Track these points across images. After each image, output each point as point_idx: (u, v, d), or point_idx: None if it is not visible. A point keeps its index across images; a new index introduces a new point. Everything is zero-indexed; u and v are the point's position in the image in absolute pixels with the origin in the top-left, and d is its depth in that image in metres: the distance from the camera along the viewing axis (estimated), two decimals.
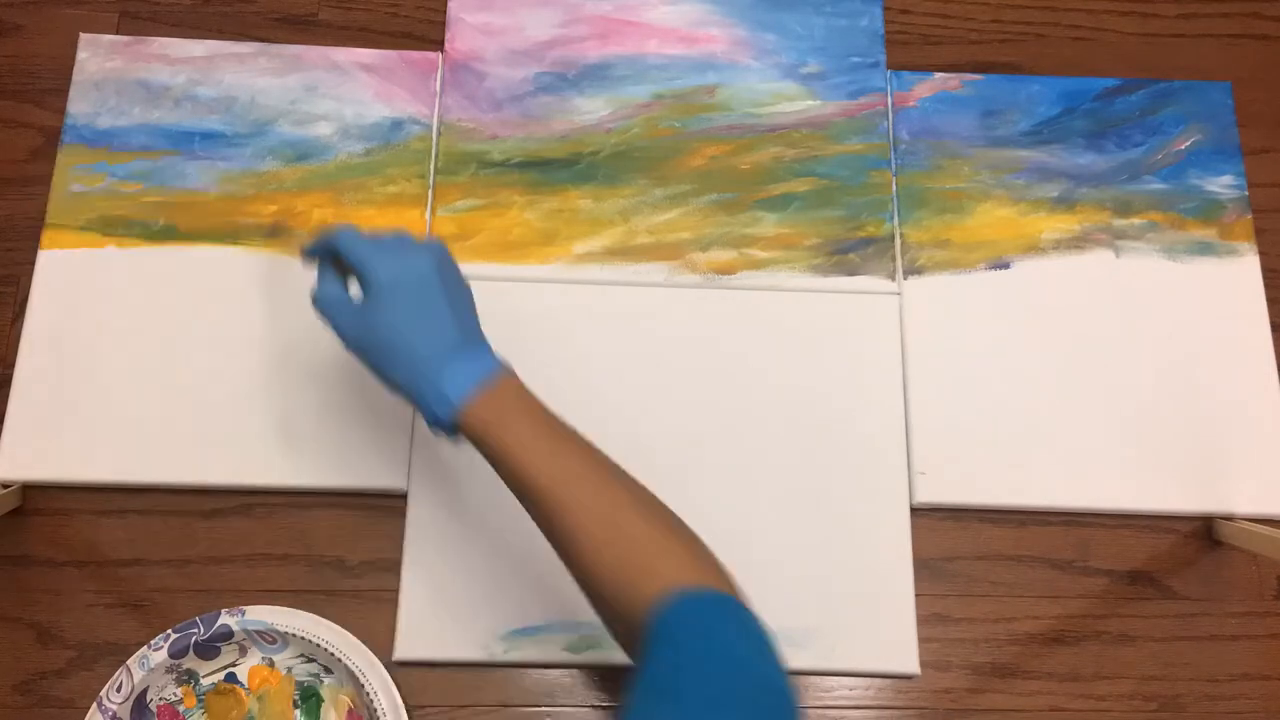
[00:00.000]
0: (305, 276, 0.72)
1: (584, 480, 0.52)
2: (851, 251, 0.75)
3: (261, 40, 0.78)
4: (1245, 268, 0.76)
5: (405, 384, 0.54)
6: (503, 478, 0.53)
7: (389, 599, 0.67)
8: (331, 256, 0.57)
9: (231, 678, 0.65)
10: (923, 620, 0.68)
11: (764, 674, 0.46)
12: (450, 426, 0.53)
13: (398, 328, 0.53)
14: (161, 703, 0.64)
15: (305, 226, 0.73)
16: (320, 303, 0.57)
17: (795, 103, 0.78)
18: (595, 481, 0.52)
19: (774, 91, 0.79)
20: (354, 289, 0.56)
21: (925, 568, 0.69)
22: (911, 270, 0.75)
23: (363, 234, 0.56)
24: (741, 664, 0.45)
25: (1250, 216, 0.77)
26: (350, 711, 0.64)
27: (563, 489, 0.51)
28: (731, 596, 0.48)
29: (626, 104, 0.78)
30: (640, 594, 0.48)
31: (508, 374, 0.55)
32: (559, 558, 0.52)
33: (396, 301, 0.53)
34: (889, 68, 0.80)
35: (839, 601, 0.67)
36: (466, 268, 0.72)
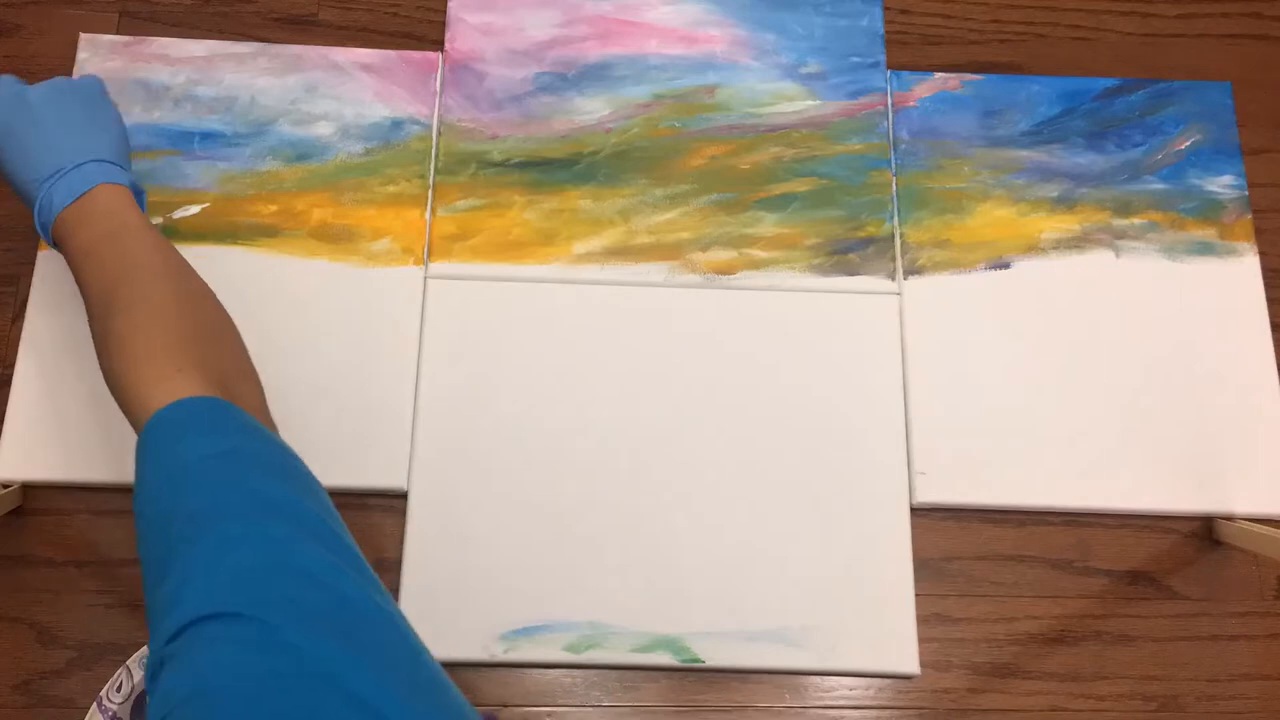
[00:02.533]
0: (304, 277, 0.72)
1: (109, 284, 0.54)
2: (851, 251, 0.75)
3: (261, 40, 0.78)
4: (1245, 268, 0.76)
5: (30, 210, 0.59)
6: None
7: None
8: None
9: None
10: (923, 620, 0.68)
11: (197, 477, 0.45)
12: (52, 243, 0.59)
13: (8, 163, 0.60)
14: None
15: (305, 226, 0.73)
16: None
17: (795, 103, 0.78)
18: (117, 285, 0.54)
19: (774, 91, 0.79)
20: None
21: (925, 568, 0.69)
22: (911, 270, 0.75)
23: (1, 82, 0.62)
24: (177, 471, 0.46)
25: (1250, 216, 0.77)
26: None
27: (91, 293, 0.54)
28: (190, 400, 0.48)
29: (626, 104, 0.78)
30: (135, 408, 0.49)
31: (106, 189, 0.58)
32: None
33: (3, 140, 0.60)
34: (889, 68, 0.80)
35: (839, 601, 0.67)
36: (466, 268, 0.73)
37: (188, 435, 0.47)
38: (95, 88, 0.64)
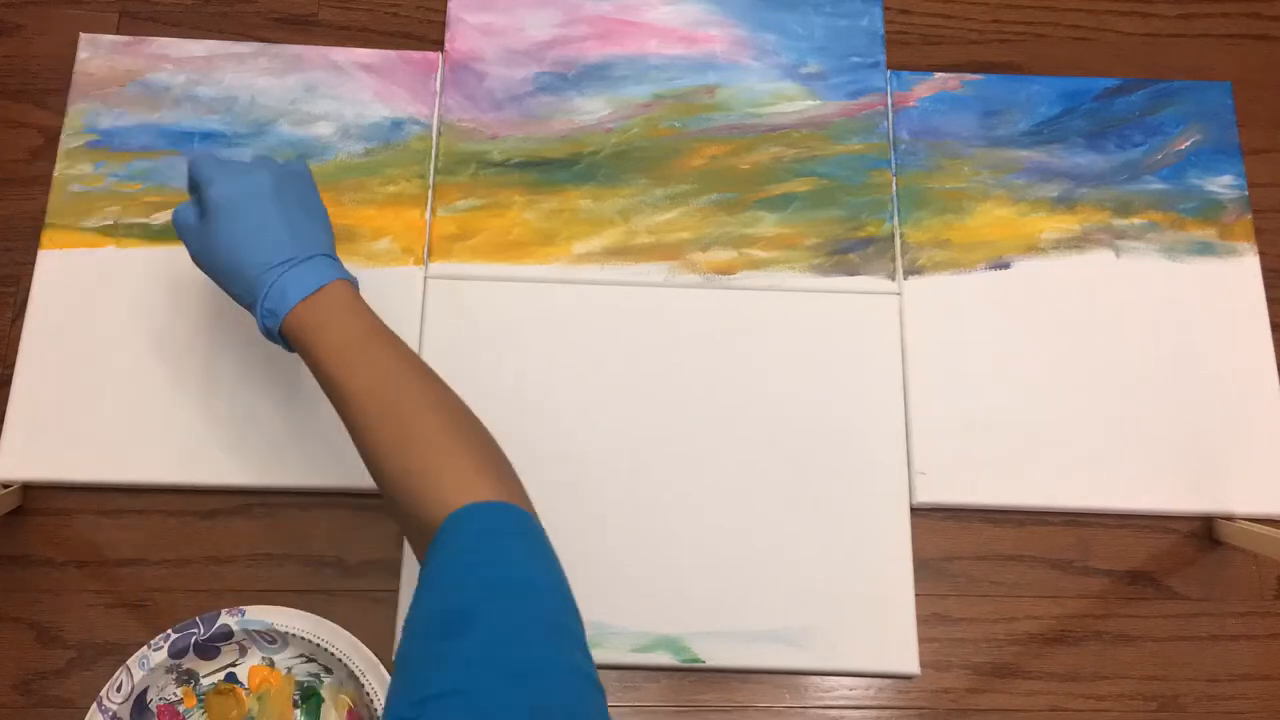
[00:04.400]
0: None
1: (384, 388, 0.53)
2: (851, 251, 0.75)
3: (261, 40, 0.78)
4: (1245, 268, 0.76)
5: (241, 297, 0.57)
6: (320, 385, 0.55)
7: (389, 599, 0.67)
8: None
9: (231, 678, 0.65)
10: (923, 620, 0.68)
11: (526, 576, 0.46)
12: (278, 337, 0.56)
13: (228, 244, 0.56)
14: (161, 703, 0.64)
15: None
16: (174, 222, 0.59)
17: (795, 103, 0.78)
18: (396, 390, 0.53)
19: (774, 91, 0.79)
20: None
21: (925, 568, 0.69)
22: (911, 270, 0.75)
23: (210, 157, 0.58)
24: (513, 564, 0.46)
25: (1250, 216, 0.77)
26: (351, 711, 0.64)
27: (362, 395, 0.52)
28: (512, 505, 0.49)
29: (626, 104, 0.78)
30: (426, 505, 0.49)
31: (341, 286, 0.56)
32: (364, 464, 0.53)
33: (226, 220, 0.56)
34: (889, 68, 0.80)
35: (839, 601, 0.67)
36: (466, 268, 0.73)
37: (519, 538, 0.48)
38: (306, 173, 0.61)
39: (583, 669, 0.43)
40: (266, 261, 0.55)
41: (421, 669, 0.42)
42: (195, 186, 0.58)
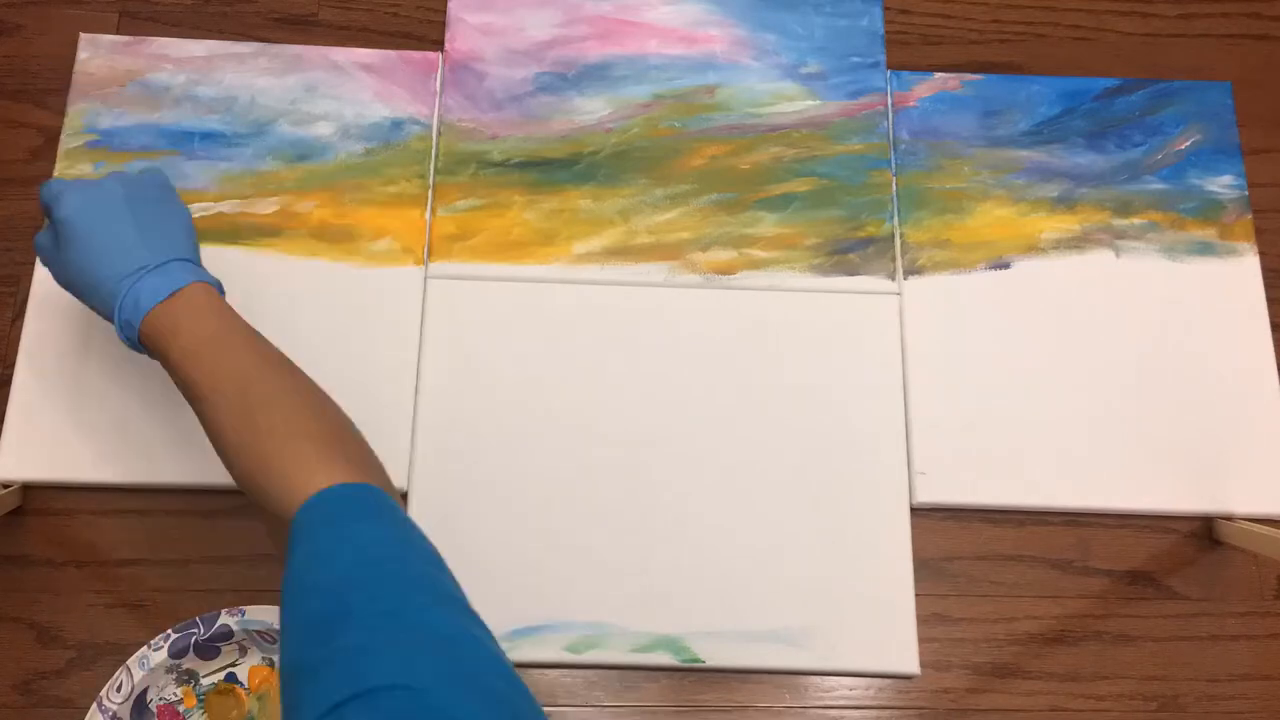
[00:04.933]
0: (304, 277, 0.72)
1: (234, 384, 0.52)
2: (851, 251, 0.75)
3: (261, 40, 0.78)
4: (1245, 268, 0.76)
5: (101, 311, 0.56)
6: (178, 388, 0.54)
7: None
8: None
9: (231, 678, 0.65)
10: (923, 620, 0.68)
11: (392, 554, 0.46)
12: (138, 346, 0.55)
13: (83, 259, 0.55)
14: (161, 703, 0.64)
15: (305, 227, 0.73)
16: (35, 249, 0.59)
17: (795, 103, 0.78)
18: (246, 385, 0.52)
19: (774, 91, 0.79)
20: None
21: (925, 568, 0.69)
22: (911, 270, 0.75)
23: (57, 180, 0.58)
24: (367, 546, 0.46)
25: (1250, 216, 0.77)
26: None
27: (211, 394, 0.52)
28: (366, 485, 0.48)
29: (626, 104, 0.78)
30: (280, 497, 0.48)
31: (197, 288, 0.55)
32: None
33: (78, 234, 0.55)
34: (889, 68, 0.80)
35: (839, 601, 0.67)
36: (466, 268, 0.73)
37: (366, 517, 0.47)
38: (162, 181, 0.61)
39: (455, 623, 0.43)
40: (120, 272, 0.54)
41: (310, 682, 0.40)
42: (47, 210, 0.57)
